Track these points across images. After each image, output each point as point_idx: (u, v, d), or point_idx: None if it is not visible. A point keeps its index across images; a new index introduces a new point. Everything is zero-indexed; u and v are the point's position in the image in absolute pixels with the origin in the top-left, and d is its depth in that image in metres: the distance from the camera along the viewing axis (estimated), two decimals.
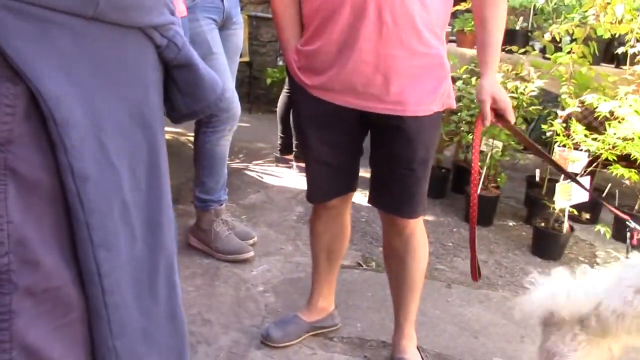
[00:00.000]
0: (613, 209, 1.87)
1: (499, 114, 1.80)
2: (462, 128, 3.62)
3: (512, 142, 3.42)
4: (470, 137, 3.48)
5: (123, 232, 0.77)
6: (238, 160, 4.38)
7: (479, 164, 3.43)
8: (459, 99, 3.48)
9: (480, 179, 3.40)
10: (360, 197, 3.59)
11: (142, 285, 0.81)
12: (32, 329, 0.70)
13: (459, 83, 3.59)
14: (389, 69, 1.70)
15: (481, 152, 3.36)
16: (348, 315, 2.39)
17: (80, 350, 0.77)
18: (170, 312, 0.86)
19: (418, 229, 1.98)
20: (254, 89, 6.50)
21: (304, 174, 2.08)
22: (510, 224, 3.54)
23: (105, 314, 0.76)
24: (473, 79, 3.69)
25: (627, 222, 1.92)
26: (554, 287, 1.65)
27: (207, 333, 2.21)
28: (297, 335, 2.19)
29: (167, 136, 4.78)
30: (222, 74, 2.65)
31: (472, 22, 3.05)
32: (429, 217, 3.33)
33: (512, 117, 1.81)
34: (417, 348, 2.10)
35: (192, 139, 3.24)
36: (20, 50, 0.64)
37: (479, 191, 3.38)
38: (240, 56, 3.05)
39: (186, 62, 0.84)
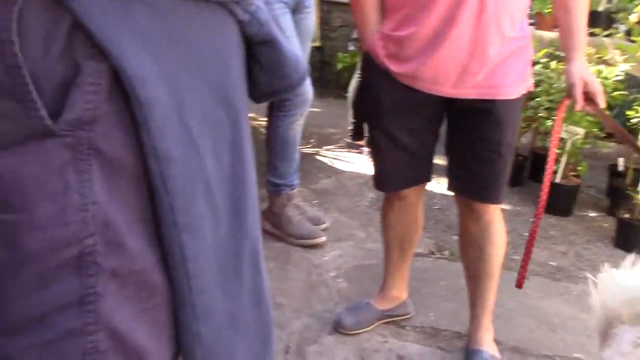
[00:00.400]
0: None
1: (588, 98, 1.74)
2: (540, 114, 3.49)
3: (594, 130, 3.27)
4: (549, 123, 3.35)
5: (207, 216, 0.74)
6: (309, 146, 4.38)
7: (558, 151, 3.31)
8: (537, 84, 3.35)
9: (559, 166, 3.27)
10: (434, 184, 3.53)
11: (228, 270, 0.78)
12: (117, 312, 0.69)
13: (538, 67, 3.46)
14: (484, 56, 1.66)
15: (561, 139, 3.23)
16: (421, 303, 2.35)
17: (165, 335, 0.76)
18: (256, 299, 0.83)
19: (496, 215, 1.93)
20: (324, 74, 6.48)
21: None
22: (591, 214, 3.39)
23: (190, 299, 0.74)
24: (552, 63, 3.55)
25: None
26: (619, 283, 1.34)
27: (279, 317, 2.22)
28: (369, 323, 2.16)
29: None
30: None
31: (551, 4, 2.93)
32: (506, 206, 3.23)
33: (602, 101, 1.74)
34: (493, 340, 2.04)
35: (263, 123, 3.25)
36: (103, 26, 0.62)
37: (558, 179, 3.27)
38: (312, 41, 3.03)
39: (269, 38, 0.80)
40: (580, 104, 1.74)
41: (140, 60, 0.65)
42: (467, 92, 1.72)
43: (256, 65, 0.83)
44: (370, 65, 1.84)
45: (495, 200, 1.88)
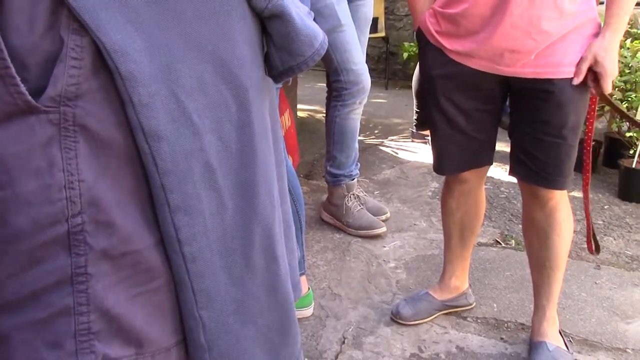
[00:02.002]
0: None
1: (597, 79, 1.62)
2: (614, 96, 3.30)
3: None
4: (625, 105, 3.18)
5: (207, 197, 0.71)
6: (373, 137, 4.32)
7: (633, 135, 3.13)
8: None
9: (636, 151, 3.10)
10: (500, 171, 3.42)
11: (234, 255, 0.75)
12: (110, 294, 0.67)
13: None
14: (540, 32, 1.57)
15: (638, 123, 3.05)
16: (484, 294, 2.27)
17: (166, 319, 0.73)
18: (270, 286, 0.80)
19: (562, 201, 1.82)
20: (390, 65, 6.40)
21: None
22: None
23: (189, 282, 0.72)
24: (627, 42, 3.37)
25: None
26: None
27: (336, 307, 2.19)
28: (428, 314, 2.10)
29: (303, 114, 4.84)
30: (352, 46, 2.60)
31: None
32: (577, 194, 3.08)
33: (606, 85, 1.61)
34: (560, 332, 1.94)
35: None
36: (83, 0, 0.61)
37: (634, 165, 3.09)
38: (377, 31, 2.97)
39: (279, 12, 0.75)
40: (579, 78, 1.61)
41: (122, 33, 0.63)
42: (524, 70, 1.64)
43: (269, 42, 0.79)
44: (424, 43, 1.79)
45: (560, 186, 1.77)
